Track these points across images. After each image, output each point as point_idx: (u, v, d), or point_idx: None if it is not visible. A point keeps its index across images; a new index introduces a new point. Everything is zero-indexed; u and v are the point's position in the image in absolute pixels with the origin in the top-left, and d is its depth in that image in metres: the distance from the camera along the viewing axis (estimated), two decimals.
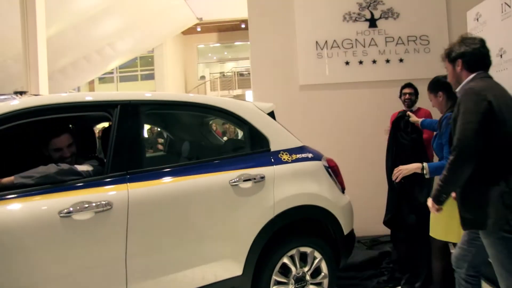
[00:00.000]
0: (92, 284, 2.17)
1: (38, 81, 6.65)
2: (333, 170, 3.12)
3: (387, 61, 5.16)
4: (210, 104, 2.82)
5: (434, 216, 2.82)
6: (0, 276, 1.95)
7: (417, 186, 3.35)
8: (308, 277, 2.87)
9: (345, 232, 3.07)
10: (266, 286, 2.72)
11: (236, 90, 21.43)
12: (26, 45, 6.74)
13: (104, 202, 2.17)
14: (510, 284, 2.06)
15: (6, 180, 2.10)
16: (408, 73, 4.94)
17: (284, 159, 2.89)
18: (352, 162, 4.90)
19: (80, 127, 3.17)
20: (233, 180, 2.61)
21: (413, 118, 3.54)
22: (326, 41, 5.18)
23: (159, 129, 6.48)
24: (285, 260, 2.79)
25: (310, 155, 3.03)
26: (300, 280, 2.83)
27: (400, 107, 4.38)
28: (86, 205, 2.13)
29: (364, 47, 5.20)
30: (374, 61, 5.17)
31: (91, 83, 21.47)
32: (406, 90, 4.11)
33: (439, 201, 2.20)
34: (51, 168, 2.18)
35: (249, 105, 3.01)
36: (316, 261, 2.90)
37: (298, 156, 2.97)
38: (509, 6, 3.14)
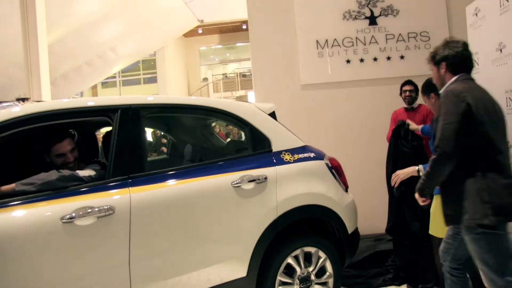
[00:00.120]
0: None
1: (40, 88, 6.69)
2: (336, 169, 3.11)
3: (388, 58, 5.15)
4: (210, 106, 2.83)
5: (433, 214, 2.89)
6: (2, 282, 1.96)
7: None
8: (313, 277, 2.86)
9: (349, 231, 3.06)
10: (271, 287, 2.71)
11: (239, 91, 21.45)
12: (27, 52, 6.78)
13: (106, 207, 2.18)
14: (492, 278, 2.14)
15: (7, 187, 2.11)
16: (410, 70, 4.93)
17: (286, 159, 2.89)
18: (355, 160, 4.89)
19: (82, 132, 3.18)
20: (235, 182, 2.61)
21: (413, 125, 3.55)
22: (326, 40, 5.16)
23: (161, 133, 6.49)
24: (290, 260, 2.79)
25: (312, 155, 3.03)
26: (305, 280, 2.82)
27: (402, 104, 4.37)
28: (89, 210, 2.14)
29: (365, 45, 5.18)
30: (375, 59, 5.15)
31: (94, 87, 21.56)
32: (407, 88, 4.09)
33: (423, 194, 2.35)
34: (53, 175, 2.18)
35: (249, 106, 3.01)
36: (321, 260, 2.89)
37: (300, 156, 2.96)
38: (507, 0, 3.12)
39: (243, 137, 3.04)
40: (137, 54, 15.79)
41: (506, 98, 3.22)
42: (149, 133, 10.13)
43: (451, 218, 2.26)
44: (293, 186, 2.82)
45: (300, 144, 3.05)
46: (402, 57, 5.14)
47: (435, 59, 2.42)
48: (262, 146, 2.89)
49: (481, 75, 3.61)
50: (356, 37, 5.17)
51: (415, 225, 3.41)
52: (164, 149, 5.44)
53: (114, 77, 21.55)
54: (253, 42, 5.27)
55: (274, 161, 2.84)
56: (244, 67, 22.53)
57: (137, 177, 2.36)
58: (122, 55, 14.18)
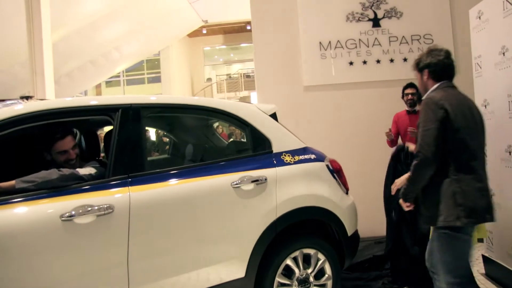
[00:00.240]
0: None
1: (44, 86, 6.72)
2: (336, 171, 3.11)
3: (391, 60, 5.14)
4: (211, 106, 2.83)
5: None
6: (1, 280, 1.97)
7: (418, 216, 3.31)
8: (311, 279, 2.86)
9: (349, 233, 3.05)
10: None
11: (243, 92, 21.47)
12: (32, 51, 6.82)
13: (105, 206, 2.18)
14: (442, 276, 2.32)
15: (7, 184, 2.11)
16: (412, 73, 4.86)
17: (286, 160, 2.89)
18: (357, 162, 4.89)
19: (84, 130, 3.19)
20: (235, 182, 2.61)
21: (411, 147, 3.53)
22: (329, 42, 5.17)
23: (163, 132, 6.50)
24: (288, 261, 2.78)
25: (313, 156, 3.03)
26: (303, 281, 2.82)
27: (404, 107, 4.36)
28: (88, 209, 2.15)
29: (368, 47, 5.18)
30: (378, 61, 5.15)
31: (98, 86, 21.63)
32: (408, 91, 4.09)
33: (407, 199, 2.44)
34: (53, 174, 2.19)
35: (250, 107, 3.01)
36: (320, 262, 2.89)
37: (301, 157, 2.96)
38: (511, 4, 3.11)
39: (245, 138, 3.04)
40: (141, 53, 15.86)
41: (509, 102, 3.20)
42: (152, 133, 10.16)
43: (427, 218, 2.37)
44: (293, 187, 2.82)
45: (301, 145, 3.05)
46: (405, 59, 5.13)
47: (418, 66, 2.54)
48: (263, 147, 2.89)
49: (483, 78, 3.60)
50: (359, 39, 5.17)
51: (415, 249, 3.35)
52: (163, 148, 5.45)
53: (118, 76, 21.62)
54: (256, 43, 5.28)
55: (275, 162, 2.84)
56: (248, 68, 22.54)
57: (137, 177, 2.37)
58: (127, 54, 14.24)
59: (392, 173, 3.57)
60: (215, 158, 3.07)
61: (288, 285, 2.79)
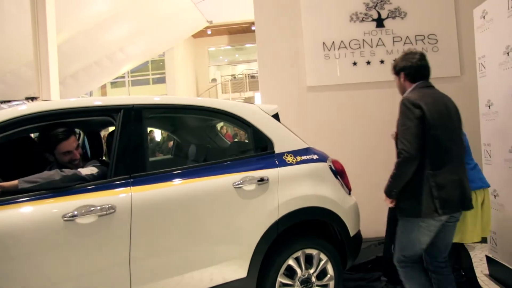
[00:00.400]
0: None
1: (49, 87, 6.75)
2: (339, 171, 3.11)
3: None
4: (213, 107, 2.83)
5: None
6: (3, 279, 1.98)
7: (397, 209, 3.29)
8: (313, 279, 2.85)
9: (352, 233, 3.05)
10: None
11: (247, 92, 21.47)
12: (37, 52, 6.86)
13: (107, 206, 2.19)
14: (398, 249, 2.61)
15: (10, 184, 2.13)
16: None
17: (288, 161, 2.89)
18: (360, 162, 4.87)
19: (87, 131, 3.21)
20: (236, 183, 2.62)
21: None
22: (333, 42, 5.16)
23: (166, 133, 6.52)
24: (291, 262, 2.78)
25: (315, 157, 3.03)
26: (305, 282, 2.82)
27: None
28: (91, 209, 2.16)
29: (372, 47, 5.17)
30: (382, 61, 5.13)
31: (103, 87, 21.72)
32: None
33: (391, 195, 2.55)
34: (56, 175, 2.20)
35: (252, 107, 3.01)
36: (322, 263, 2.89)
37: (303, 157, 2.96)
38: None
39: (247, 139, 3.05)
40: (146, 54, 15.89)
41: None
42: (155, 133, 10.18)
43: (404, 211, 2.53)
44: (295, 188, 2.82)
45: (303, 146, 3.05)
46: None
47: (395, 70, 2.72)
48: (265, 147, 2.89)
49: (487, 78, 3.59)
50: (363, 39, 5.16)
51: None
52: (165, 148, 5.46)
53: (123, 77, 21.69)
54: (259, 44, 5.29)
55: (277, 162, 2.84)
56: (253, 68, 22.54)
57: (139, 177, 2.38)
58: (131, 55, 14.28)
59: None
60: (217, 158, 3.07)
61: (290, 285, 2.79)
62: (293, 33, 5.21)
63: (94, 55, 12.91)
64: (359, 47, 5.17)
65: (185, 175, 2.55)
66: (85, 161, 2.61)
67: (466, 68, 5.08)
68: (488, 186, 3.01)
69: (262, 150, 2.89)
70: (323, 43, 5.16)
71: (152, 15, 12.67)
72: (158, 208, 2.36)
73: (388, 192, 2.55)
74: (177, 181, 2.50)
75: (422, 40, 5.13)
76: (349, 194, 3.17)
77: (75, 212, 2.12)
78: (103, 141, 3.16)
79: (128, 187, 2.31)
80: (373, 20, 5.17)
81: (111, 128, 3.72)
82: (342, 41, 5.15)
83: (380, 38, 5.16)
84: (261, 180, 2.69)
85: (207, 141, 3.64)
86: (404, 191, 2.49)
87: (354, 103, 5.13)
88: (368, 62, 5.14)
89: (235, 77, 23.39)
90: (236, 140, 8.46)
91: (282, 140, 2.96)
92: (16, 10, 8.29)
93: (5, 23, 8.63)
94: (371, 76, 5.14)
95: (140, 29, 13.07)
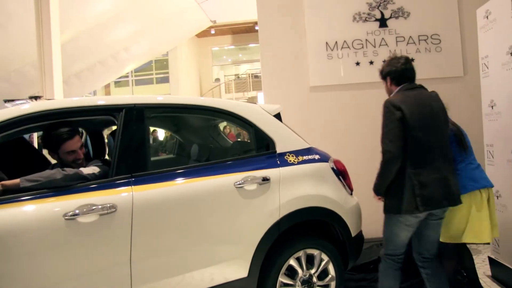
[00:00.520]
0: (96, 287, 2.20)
1: (53, 86, 6.77)
2: (340, 172, 3.10)
3: None
4: (215, 106, 2.83)
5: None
6: (4, 278, 1.99)
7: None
8: (315, 279, 2.86)
9: (353, 234, 3.05)
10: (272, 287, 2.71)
11: (251, 92, 21.44)
12: (41, 51, 6.87)
13: (108, 205, 2.20)
14: (385, 243, 2.76)
15: (12, 182, 2.14)
16: (420, 73, 4.71)
17: (290, 161, 2.89)
18: (362, 162, 4.84)
19: (90, 130, 3.22)
20: (238, 182, 2.62)
21: None
22: (336, 42, 5.15)
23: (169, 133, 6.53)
24: (292, 262, 2.79)
25: (317, 157, 3.02)
26: (306, 282, 2.82)
27: None
28: (92, 208, 2.16)
29: (375, 47, 5.15)
30: (385, 61, 5.10)
31: (107, 87, 21.76)
32: None
33: (378, 193, 2.70)
34: (57, 174, 2.21)
35: (254, 107, 3.01)
36: (323, 263, 2.89)
37: (305, 157, 2.96)
38: None
39: (249, 138, 3.05)
40: (150, 54, 15.88)
41: None
42: (159, 133, 10.20)
43: (390, 208, 2.64)
44: (296, 188, 2.82)
45: (305, 146, 3.05)
46: (412, 60, 5.04)
47: (382, 75, 2.89)
48: (266, 147, 2.89)
49: (490, 78, 3.57)
50: (366, 39, 5.15)
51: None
52: (166, 148, 5.46)
53: (127, 76, 21.73)
54: (262, 44, 5.28)
55: (278, 162, 2.84)
56: (256, 68, 22.50)
57: (140, 176, 2.38)
58: (135, 54, 14.28)
59: None
60: (218, 158, 3.08)
61: (291, 285, 2.79)
62: (296, 33, 5.20)
63: (98, 55, 12.92)
64: (362, 47, 5.16)
65: (187, 174, 2.55)
66: (87, 161, 2.62)
67: (469, 68, 5.06)
68: (492, 186, 2.99)
69: (264, 150, 2.89)
70: (326, 43, 5.15)
71: (156, 15, 12.68)
72: (159, 208, 2.37)
73: (376, 189, 2.70)
74: (178, 181, 2.50)
75: (425, 40, 5.11)
76: (351, 194, 3.17)
77: (77, 211, 2.13)
78: (106, 141, 3.17)
79: (129, 187, 2.32)
80: (376, 20, 5.16)
81: (114, 127, 3.74)
82: (345, 41, 5.14)
83: (383, 38, 5.14)
84: (263, 180, 2.69)
85: (208, 140, 3.64)
86: (389, 189, 2.61)
87: (357, 103, 5.12)
88: (371, 62, 5.13)
89: (238, 77, 23.39)
90: (238, 139, 8.45)
91: (284, 140, 2.96)
92: (20, 9, 8.31)
93: (10, 23, 8.65)
94: (374, 76, 5.04)
95: (144, 29, 13.08)
